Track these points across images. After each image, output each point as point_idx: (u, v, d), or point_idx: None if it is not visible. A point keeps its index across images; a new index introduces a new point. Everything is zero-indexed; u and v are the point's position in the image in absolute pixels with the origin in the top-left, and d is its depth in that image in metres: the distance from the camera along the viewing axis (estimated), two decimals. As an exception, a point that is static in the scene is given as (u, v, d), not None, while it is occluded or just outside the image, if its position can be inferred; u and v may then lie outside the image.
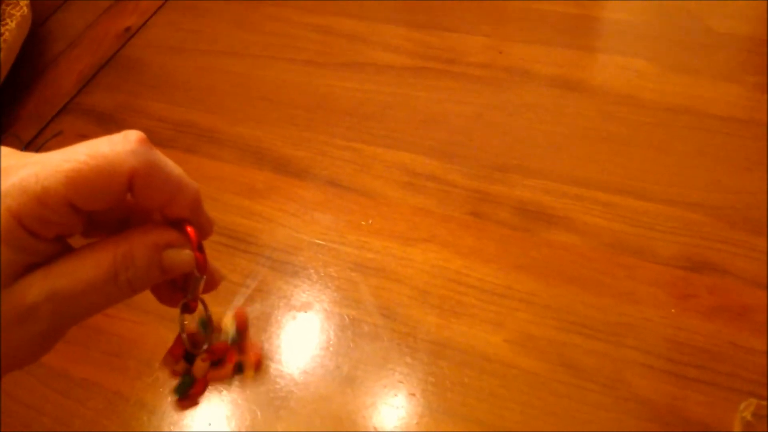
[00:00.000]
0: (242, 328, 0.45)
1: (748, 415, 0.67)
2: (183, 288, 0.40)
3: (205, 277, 0.39)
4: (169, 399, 0.43)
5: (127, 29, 1.27)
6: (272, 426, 0.74)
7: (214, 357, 0.43)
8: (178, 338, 0.43)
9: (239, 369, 0.44)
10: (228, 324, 0.45)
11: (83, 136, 1.06)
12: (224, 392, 0.76)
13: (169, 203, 0.36)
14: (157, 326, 0.82)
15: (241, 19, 1.28)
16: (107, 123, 1.11)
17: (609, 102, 1.01)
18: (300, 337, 0.81)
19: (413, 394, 0.74)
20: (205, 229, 0.39)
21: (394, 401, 0.74)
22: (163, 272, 0.37)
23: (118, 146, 0.34)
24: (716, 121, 0.96)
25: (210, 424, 0.75)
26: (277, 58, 1.18)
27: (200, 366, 0.43)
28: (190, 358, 0.43)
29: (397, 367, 0.76)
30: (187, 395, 0.43)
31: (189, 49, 1.24)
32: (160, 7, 1.32)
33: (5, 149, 0.36)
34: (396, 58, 1.14)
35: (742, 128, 0.94)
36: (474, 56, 1.12)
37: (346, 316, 0.81)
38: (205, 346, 0.43)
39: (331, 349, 0.79)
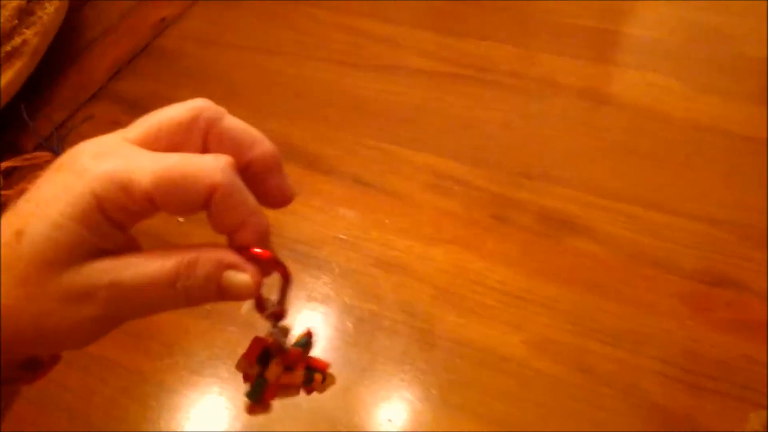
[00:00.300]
0: (309, 344, 0.46)
1: (758, 426, 0.67)
2: (257, 303, 0.41)
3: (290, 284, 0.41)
4: (243, 402, 0.44)
5: (163, 20, 1.29)
6: (290, 412, 0.74)
7: (288, 361, 0.44)
8: (254, 342, 0.44)
9: (310, 377, 0.45)
10: (298, 338, 0.46)
11: (114, 122, 1.08)
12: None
13: (239, 228, 0.37)
14: (179, 311, 0.83)
15: (276, 16, 1.29)
16: (138, 111, 1.11)
17: (637, 117, 1.02)
18: (320, 329, 0.82)
19: (430, 390, 0.75)
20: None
21: (410, 396, 0.75)
22: (219, 291, 0.38)
23: (207, 161, 0.36)
24: (743, 141, 0.96)
25: (227, 408, 0.76)
26: (311, 57, 1.19)
27: (274, 370, 0.44)
28: (264, 361, 0.44)
29: (415, 363, 0.77)
30: (260, 399, 0.44)
31: (223, 43, 1.25)
32: (196, 0, 1.33)
33: (106, 137, 0.38)
34: (428, 63, 1.15)
35: (766, 149, 0.95)
36: (505, 65, 1.13)
37: (366, 311, 0.82)
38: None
39: (350, 341, 0.80)
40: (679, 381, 0.73)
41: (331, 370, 0.47)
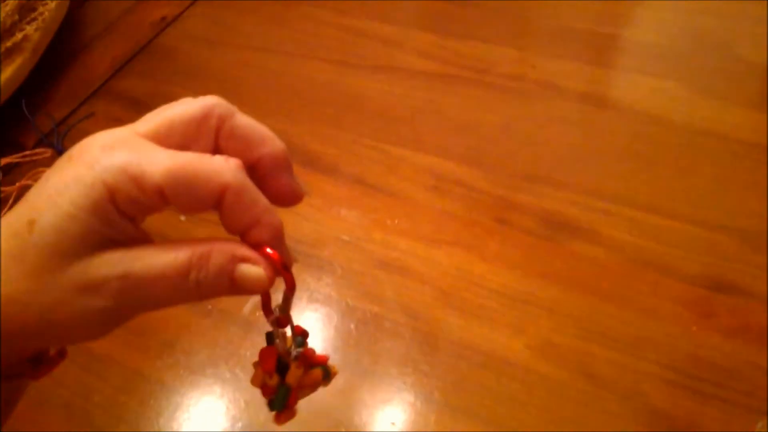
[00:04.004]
0: (305, 342, 0.45)
1: (766, 434, 0.67)
2: (263, 305, 0.40)
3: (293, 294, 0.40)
4: (267, 414, 0.43)
5: (163, 18, 1.29)
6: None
7: (306, 362, 0.43)
8: (266, 353, 0.43)
9: (327, 372, 0.45)
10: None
11: (115, 120, 1.08)
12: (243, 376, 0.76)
13: (251, 227, 0.37)
14: (180, 310, 0.83)
15: (276, 16, 1.29)
16: (139, 108, 1.12)
17: (638, 121, 1.02)
18: (322, 330, 0.81)
19: (432, 393, 0.75)
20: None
21: (412, 398, 0.75)
22: (232, 284, 0.37)
23: (219, 161, 0.36)
24: (742, 146, 0.97)
25: (228, 408, 0.76)
26: (310, 57, 1.19)
27: (295, 373, 0.43)
28: (281, 369, 0.43)
29: (417, 365, 0.77)
30: (285, 406, 0.43)
31: (223, 42, 1.25)
32: (196, -1, 1.33)
33: (118, 130, 0.37)
34: (428, 64, 1.15)
35: (766, 155, 0.95)
36: (505, 68, 1.13)
37: (368, 312, 0.82)
38: (294, 353, 0.43)
39: (352, 343, 0.80)
40: (682, 386, 0.73)
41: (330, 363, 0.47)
